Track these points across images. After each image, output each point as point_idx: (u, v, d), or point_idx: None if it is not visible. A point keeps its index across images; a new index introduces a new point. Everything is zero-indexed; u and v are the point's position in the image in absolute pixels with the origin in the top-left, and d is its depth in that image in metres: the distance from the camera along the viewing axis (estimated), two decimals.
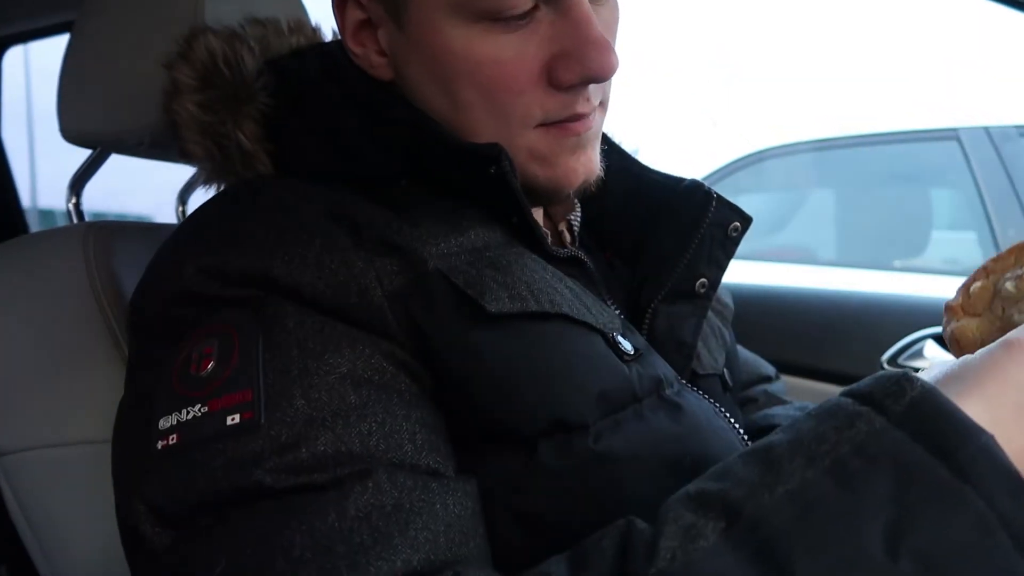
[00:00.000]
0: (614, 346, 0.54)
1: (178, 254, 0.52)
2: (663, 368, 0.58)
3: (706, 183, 0.68)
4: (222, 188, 0.64)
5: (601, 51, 0.52)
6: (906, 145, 2.31)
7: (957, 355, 0.48)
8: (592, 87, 0.56)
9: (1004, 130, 2.11)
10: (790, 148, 2.42)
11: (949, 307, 0.51)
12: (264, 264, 0.48)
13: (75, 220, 0.90)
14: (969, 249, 2.11)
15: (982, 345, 0.45)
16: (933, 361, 0.55)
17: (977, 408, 0.37)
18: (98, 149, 0.85)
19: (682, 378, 0.64)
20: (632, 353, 0.55)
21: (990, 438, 0.35)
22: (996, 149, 2.09)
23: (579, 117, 0.56)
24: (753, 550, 0.34)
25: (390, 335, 0.48)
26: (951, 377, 0.39)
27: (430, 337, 0.48)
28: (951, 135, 2.17)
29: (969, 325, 0.48)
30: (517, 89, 0.54)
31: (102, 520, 0.60)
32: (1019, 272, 0.47)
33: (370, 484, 0.42)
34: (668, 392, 0.56)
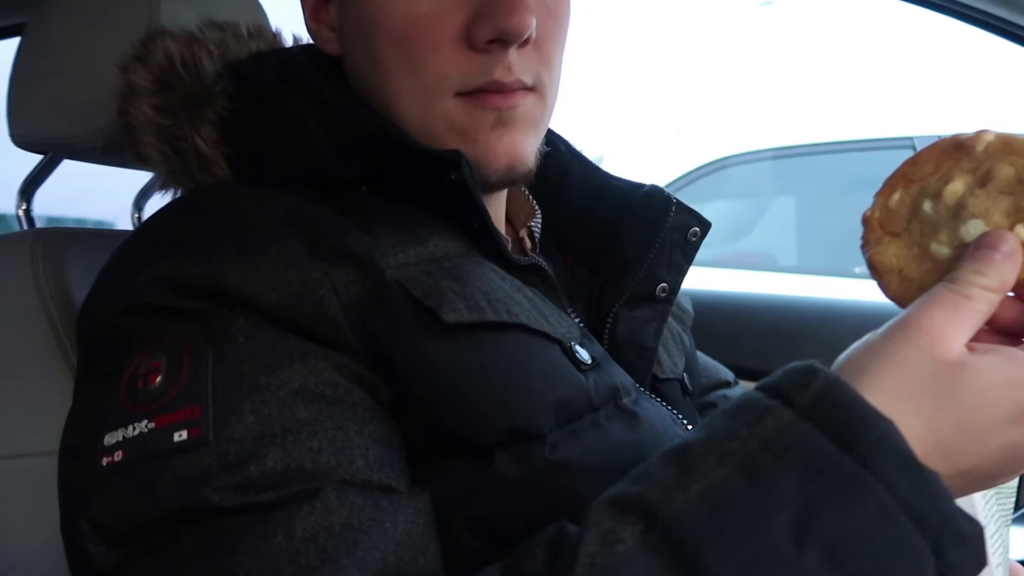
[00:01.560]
0: (571, 356, 0.54)
1: (128, 263, 0.51)
2: (621, 377, 0.58)
3: (667, 190, 0.69)
4: (177, 194, 0.63)
5: (514, 8, 0.52)
6: (864, 153, 2.36)
7: (878, 283, 0.44)
8: (520, 63, 0.55)
9: None
10: (751, 156, 2.46)
11: (867, 218, 0.45)
12: (217, 273, 0.47)
13: (25, 226, 0.88)
14: None
15: (901, 276, 0.43)
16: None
17: (878, 396, 0.37)
18: (49, 154, 0.83)
19: (643, 383, 0.64)
20: (589, 363, 0.55)
21: (889, 424, 0.35)
22: None
23: (498, 87, 0.55)
24: (669, 551, 0.35)
25: (345, 346, 0.47)
26: (853, 363, 0.40)
27: (387, 348, 0.48)
28: (907, 143, 2.22)
29: (887, 250, 0.44)
30: (431, 45, 0.54)
31: (49, 534, 0.59)
32: (938, 187, 0.42)
33: (318, 504, 0.41)
34: (625, 401, 0.56)
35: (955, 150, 0.42)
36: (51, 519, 0.52)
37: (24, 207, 0.86)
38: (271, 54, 0.64)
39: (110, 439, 0.44)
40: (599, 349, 0.59)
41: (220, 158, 0.60)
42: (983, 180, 0.41)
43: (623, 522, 0.36)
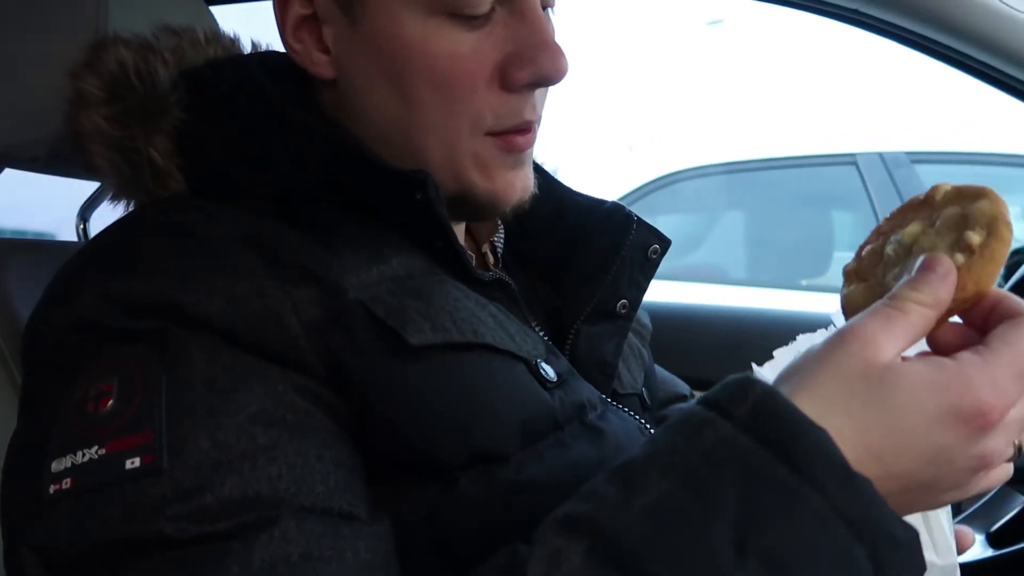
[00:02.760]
0: (537, 374, 0.54)
1: (78, 279, 0.49)
2: (587, 392, 0.58)
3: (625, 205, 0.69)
4: (130, 205, 0.61)
5: (554, 53, 0.54)
6: (809, 169, 2.43)
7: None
8: (537, 98, 0.57)
9: (896, 156, 2.24)
10: (701, 171, 2.51)
11: (845, 270, 0.50)
12: (170, 292, 0.45)
13: None
14: None
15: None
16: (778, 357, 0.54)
17: (811, 399, 0.38)
18: None
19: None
20: (555, 380, 0.55)
21: (822, 433, 0.36)
22: (890, 174, 2.22)
23: (526, 126, 0.57)
24: (615, 567, 0.35)
25: (306, 368, 0.46)
26: (792, 372, 0.40)
27: (349, 369, 0.47)
28: (850, 160, 2.29)
29: (856, 291, 0.48)
30: (471, 86, 0.54)
31: None
32: (899, 236, 0.46)
33: (276, 532, 0.40)
34: (591, 417, 0.56)
35: (920, 203, 0.47)
36: None
37: None
38: (226, 61, 0.63)
39: (57, 465, 0.42)
40: (564, 364, 0.59)
41: (175, 170, 0.58)
42: (935, 222, 0.45)
43: (569, 540, 0.36)
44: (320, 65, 0.57)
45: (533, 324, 0.63)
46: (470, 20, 0.53)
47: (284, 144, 0.55)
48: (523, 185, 0.59)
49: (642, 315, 0.80)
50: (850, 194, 2.27)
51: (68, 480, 0.41)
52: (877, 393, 0.38)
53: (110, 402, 0.43)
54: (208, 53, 0.66)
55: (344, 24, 0.55)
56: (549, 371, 0.55)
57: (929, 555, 0.49)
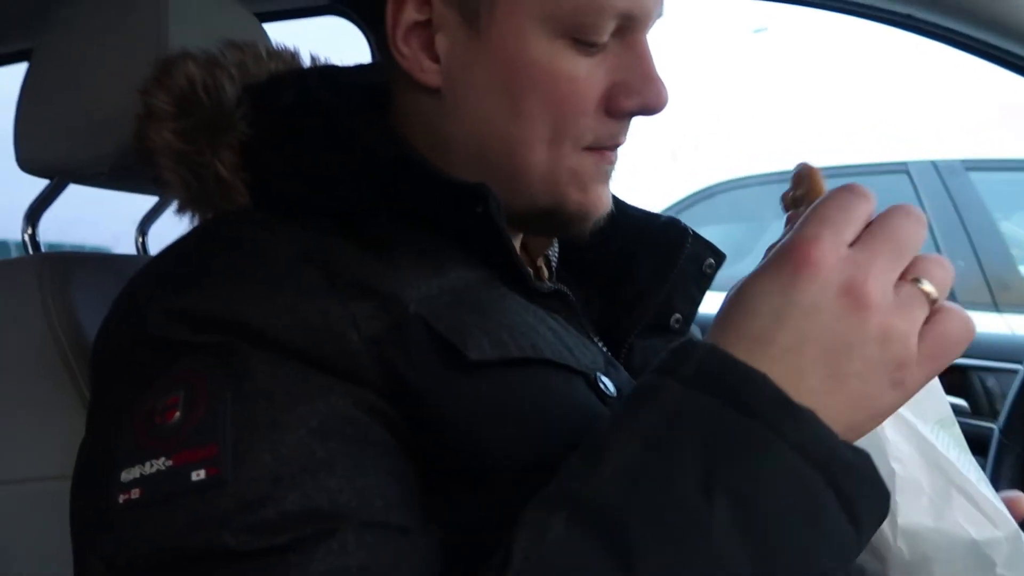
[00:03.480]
0: (595, 387, 0.54)
1: (144, 295, 0.50)
2: None
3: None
4: (195, 219, 0.62)
5: (660, 86, 0.56)
6: (858, 178, 2.38)
7: None
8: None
9: (950, 164, 2.19)
10: (747, 181, 2.48)
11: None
12: (235, 308, 0.46)
13: (31, 251, 0.88)
14: None
15: None
16: None
17: (741, 347, 0.40)
18: (55, 179, 0.83)
19: None
20: (614, 395, 0.55)
21: (759, 375, 0.39)
22: (943, 182, 2.16)
23: (617, 145, 0.59)
24: (597, 530, 0.37)
25: (365, 381, 0.47)
26: (717, 321, 0.44)
27: (408, 382, 0.47)
28: (901, 168, 2.24)
29: None
30: (582, 108, 0.56)
31: (53, 560, 0.58)
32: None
33: (335, 545, 0.41)
34: None
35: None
36: (56, 545, 0.52)
37: (30, 232, 0.86)
38: (288, 76, 0.64)
39: (126, 476, 0.43)
40: (624, 376, 0.59)
41: (240, 184, 0.59)
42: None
43: (549, 514, 0.39)
44: (428, 73, 0.57)
45: (594, 337, 0.63)
46: (588, 47, 0.55)
47: (345, 159, 0.56)
48: (607, 200, 0.61)
49: (695, 331, 0.79)
50: (902, 203, 2.23)
51: (137, 490, 0.42)
52: (772, 321, 0.41)
53: (176, 414, 0.43)
54: (270, 67, 0.67)
55: (464, 34, 0.55)
56: (609, 385, 0.55)
57: (989, 531, 0.49)
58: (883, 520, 0.41)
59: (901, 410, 0.46)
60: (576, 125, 0.56)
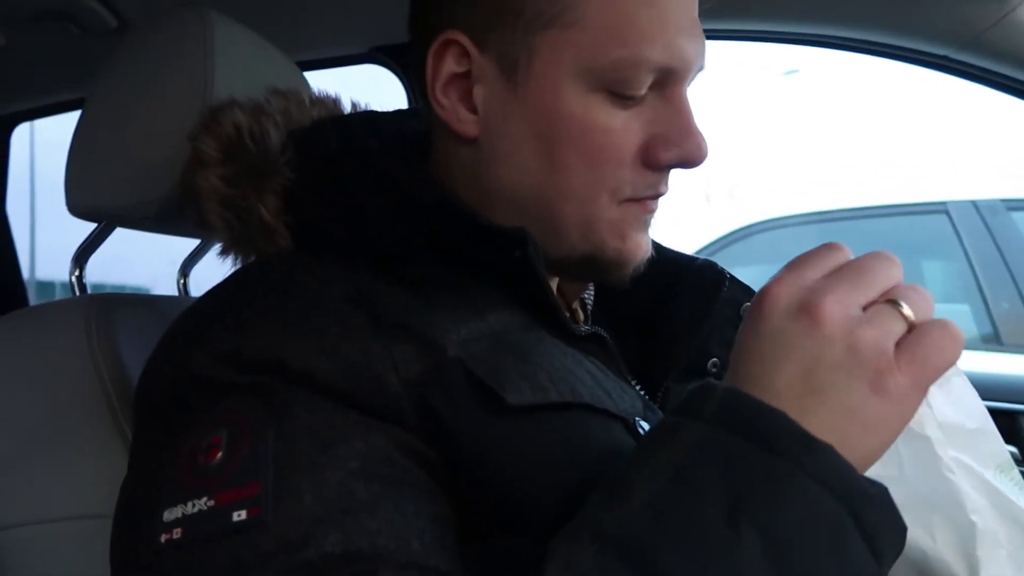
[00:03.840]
0: (634, 431, 0.54)
1: (191, 336, 0.51)
2: None
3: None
4: (237, 261, 0.64)
5: (700, 139, 0.57)
6: (897, 218, 2.35)
7: None
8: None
9: (991, 204, 2.15)
10: (782, 221, 2.46)
11: None
12: (279, 350, 0.47)
13: (77, 292, 0.90)
14: (964, 321, 2.12)
15: None
16: None
17: (757, 388, 0.42)
18: (103, 222, 0.86)
19: None
20: None
21: (779, 412, 0.40)
22: (984, 222, 2.12)
23: (656, 196, 0.59)
24: (624, 560, 0.38)
25: (405, 423, 0.47)
26: (731, 369, 0.45)
27: (447, 426, 0.48)
28: (940, 208, 2.21)
29: None
30: (619, 160, 0.56)
31: None
32: None
33: None
34: None
35: None
36: None
37: (77, 273, 0.88)
38: (330, 122, 0.65)
39: (169, 515, 0.43)
40: None
41: (282, 227, 0.60)
42: None
43: (577, 547, 0.39)
44: (466, 123, 0.58)
45: (631, 380, 0.63)
46: (626, 100, 0.55)
47: (387, 202, 0.57)
48: (647, 246, 0.61)
49: None
50: (942, 243, 2.19)
51: (179, 530, 0.42)
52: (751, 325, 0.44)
53: (219, 454, 0.44)
54: (312, 114, 0.68)
55: (502, 86, 0.57)
56: (647, 429, 0.55)
57: None
58: (900, 553, 0.41)
59: (963, 456, 0.46)
60: (613, 177, 0.56)
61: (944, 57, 1.11)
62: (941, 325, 0.42)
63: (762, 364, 0.43)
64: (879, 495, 0.40)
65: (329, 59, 1.39)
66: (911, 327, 0.42)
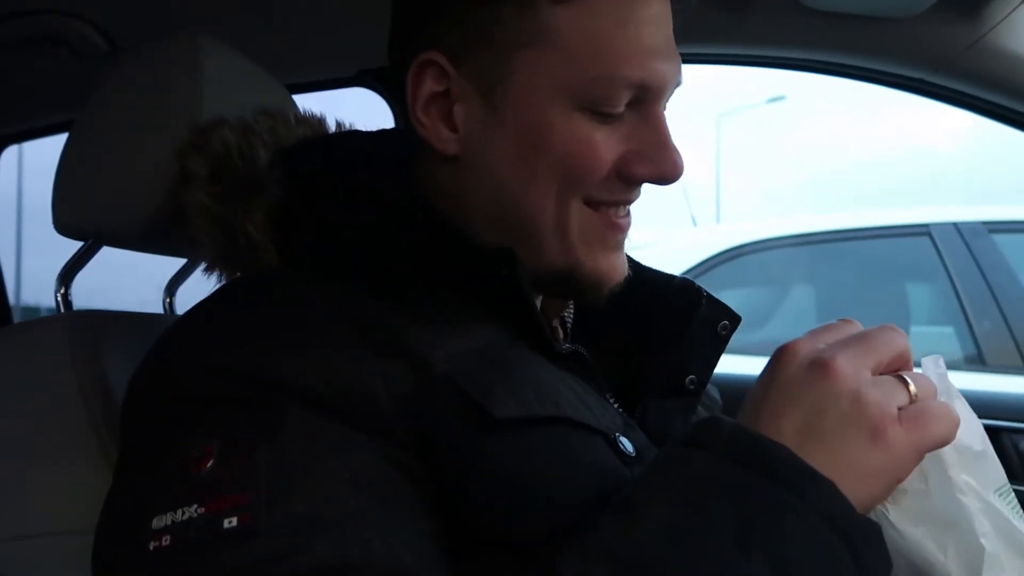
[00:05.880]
0: (615, 447, 0.55)
1: (181, 351, 0.52)
2: None
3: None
4: (222, 278, 0.64)
5: (675, 156, 0.58)
6: (880, 240, 2.37)
7: None
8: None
9: (972, 226, 2.18)
10: (768, 243, 2.47)
11: None
12: (270, 364, 0.47)
13: (63, 310, 0.90)
14: (948, 343, 2.14)
15: None
16: None
17: (765, 426, 0.45)
18: (90, 241, 0.86)
19: None
20: (634, 455, 0.55)
21: (785, 448, 0.43)
22: (966, 244, 2.15)
23: (624, 202, 0.60)
24: None
25: (394, 438, 0.47)
26: (745, 408, 0.48)
27: (435, 441, 0.48)
28: (923, 231, 2.23)
29: None
30: (597, 172, 0.57)
31: None
32: None
33: None
34: None
35: None
36: None
37: (63, 291, 0.88)
38: (317, 142, 0.66)
39: (158, 523, 0.43)
40: (642, 437, 0.59)
41: (269, 244, 0.60)
42: None
43: (589, 566, 0.40)
44: (447, 142, 0.59)
45: (610, 398, 0.63)
46: (605, 117, 0.56)
47: (372, 221, 0.58)
48: (622, 268, 0.62)
49: (711, 389, 0.79)
50: (925, 265, 2.21)
51: (168, 537, 0.42)
52: (779, 399, 0.46)
53: (210, 463, 0.44)
54: (298, 133, 0.69)
55: (481, 106, 0.58)
56: (628, 445, 0.55)
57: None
58: None
59: (970, 479, 0.47)
60: (587, 187, 0.57)
61: (920, 80, 1.13)
62: (941, 403, 0.46)
63: (770, 408, 0.46)
64: (874, 534, 0.43)
65: (318, 82, 1.41)
66: (913, 400, 0.46)
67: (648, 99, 0.57)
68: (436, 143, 0.59)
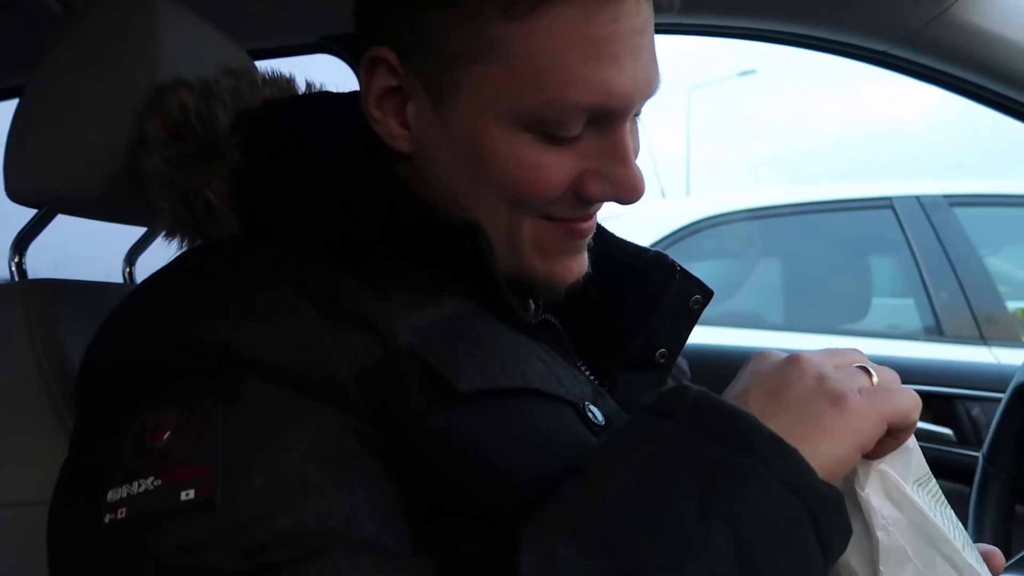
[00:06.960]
0: (584, 416, 0.55)
1: (137, 320, 0.51)
2: None
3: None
4: (183, 244, 0.62)
5: (635, 179, 0.55)
6: (845, 213, 2.40)
7: None
8: None
9: (934, 199, 2.21)
10: (735, 215, 2.49)
11: None
12: (227, 336, 0.46)
13: (17, 279, 0.88)
14: (909, 315, 2.18)
15: None
16: None
17: (736, 402, 0.47)
18: (44, 208, 0.84)
19: None
20: (602, 423, 0.55)
21: (750, 416, 0.44)
22: (928, 217, 2.19)
23: (585, 218, 0.58)
24: (604, 551, 0.40)
25: (355, 410, 0.47)
26: (725, 393, 0.50)
27: (397, 414, 0.48)
28: (886, 204, 2.27)
29: None
30: (549, 193, 0.55)
31: None
32: None
33: (327, 563, 0.41)
34: None
35: None
36: (29, 572, 0.51)
37: (17, 260, 0.86)
38: (281, 105, 0.64)
39: (113, 495, 0.42)
40: (612, 405, 0.59)
41: (230, 211, 0.59)
42: None
43: (555, 535, 0.41)
44: (399, 139, 0.57)
45: (581, 365, 0.63)
46: (558, 139, 0.53)
47: (339, 191, 0.56)
48: (579, 268, 0.61)
49: (681, 362, 0.79)
50: (888, 238, 2.25)
51: (124, 510, 0.42)
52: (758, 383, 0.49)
53: (167, 435, 0.43)
54: (264, 94, 0.67)
55: (428, 107, 0.55)
56: (597, 414, 0.55)
57: None
58: (842, 553, 0.45)
59: (885, 467, 0.48)
60: (537, 206, 0.56)
61: (883, 53, 1.14)
62: (905, 387, 0.49)
63: (738, 388, 0.49)
64: (835, 500, 0.44)
65: (279, 48, 1.38)
66: (874, 385, 0.49)
67: (609, 119, 0.54)
68: (388, 140, 0.57)
